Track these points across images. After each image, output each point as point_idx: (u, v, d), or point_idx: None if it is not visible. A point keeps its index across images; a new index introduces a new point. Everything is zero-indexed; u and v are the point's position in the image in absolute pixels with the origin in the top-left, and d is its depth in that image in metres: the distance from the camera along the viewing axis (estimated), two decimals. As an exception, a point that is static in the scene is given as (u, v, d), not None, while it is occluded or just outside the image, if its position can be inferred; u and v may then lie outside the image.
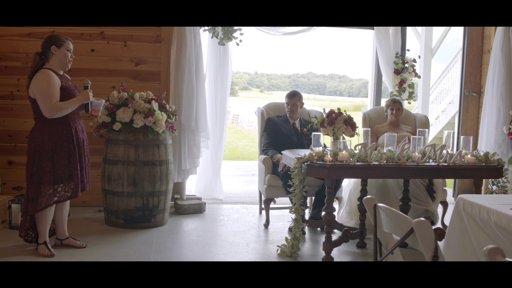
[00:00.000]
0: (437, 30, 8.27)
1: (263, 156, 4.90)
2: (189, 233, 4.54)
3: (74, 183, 3.74)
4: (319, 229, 4.77)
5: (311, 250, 4.20)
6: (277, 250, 4.03)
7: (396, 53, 5.90)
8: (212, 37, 5.42)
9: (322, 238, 3.97)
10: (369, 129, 4.06)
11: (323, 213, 3.86)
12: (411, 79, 5.94)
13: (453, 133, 4.16)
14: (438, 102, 12.88)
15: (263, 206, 4.93)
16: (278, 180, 4.68)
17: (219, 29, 5.35)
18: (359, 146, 3.73)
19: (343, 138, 3.94)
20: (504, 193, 5.32)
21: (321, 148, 3.81)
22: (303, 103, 5.07)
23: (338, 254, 4.08)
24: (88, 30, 5.17)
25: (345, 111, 3.99)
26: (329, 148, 3.88)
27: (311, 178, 4.25)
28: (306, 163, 3.67)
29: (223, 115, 5.67)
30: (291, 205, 4.03)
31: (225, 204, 5.71)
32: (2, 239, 4.12)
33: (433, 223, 4.49)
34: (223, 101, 5.63)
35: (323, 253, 3.84)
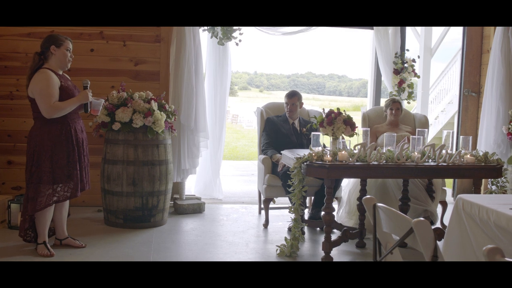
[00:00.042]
0: (437, 30, 8.26)
1: (262, 156, 4.90)
2: (188, 233, 4.54)
3: (73, 183, 3.74)
4: (318, 229, 4.77)
5: (310, 250, 4.20)
6: (277, 250, 4.03)
7: (396, 53, 5.90)
8: (211, 37, 5.42)
9: (322, 238, 3.98)
10: (369, 129, 4.06)
11: (322, 213, 3.86)
12: (411, 79, 5.94)
13: (453, 133, 4.17)
14: (437, 102, 12.89)
15: (262, 206, 4.94)
16: (277, 180, 4.68)
17: (218, 29, 5.35)
18: (359, 146, 3.73)
19: (343, 138, 3.94)
20: (504, 193, 5.32)
21: (320, 148, 3.81)
22: (302, 103, 5.07)
23: (338, 254, 4.08)
24: (88, 30, 5.17)
25: (344, 111, 3.99)
26: (328, 148, 3.88)
27: (310, 178, 4.25)
28: (305, 163, 3.67)
29: (223, 115, 5.66)
30: (290, 205, 4.03)
31: (224, 204, 5.71)
32: (2, 239, 4.11)
33: (432, 223, 4.49)
34: (223, 101, 5.63)
35: (322, 253, 3.84)
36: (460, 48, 6.32)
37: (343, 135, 3.94)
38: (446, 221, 4.11)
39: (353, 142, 3.93)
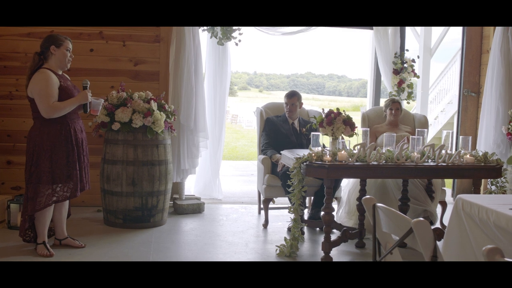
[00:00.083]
0: (436, 30, 8.26)
1: (262, 156, 4.89)
2: (188, 233, 4.54)
3: (73, 183, 3.74)
4: (318, 229, 4.77)
5: (310, 250, 4.20)
6: (276, 250, 4.03)
7: (395, 53, 5.90)
8: (211, 37, 5.42)
9: (321, 238, 3.98)
10: (368, 129, 4.07)
11: (322, 213, 3.86)
12: (410, 79, 5.94)
13: (452, 133, 4.17)
14: (437, 102, 12.89)
15: (262, 206, 4.93)
16: (277, 180, 4.68)
17: (218, 29, 5.35)
18: (358, 146, 3.73)
19: (342, 138, 3.94)
20: (503, 193, 5.32)
21: (320, 148, 3.81)
22: (302, 103, 5.07)
23: (337, 254, 4.08)
24: (87, 30, 5.17)
25: (344, 111, 3.99)
26: (328, 148, 3.87)
27: (310, 178, 4.25)
28: (305, 163, 3.66)
29: (222, 115, 5.66)
30: (290, 205, 4.03)
31: (224, 204, 5.71)
32: (1, 239, 4.11)
33: (432, 223, 4.49)
34: (222, 101, 5.63)
35: (322, 253, 3.84)
36: (460, 48, 6.32)
37: (342, 135, 3.93)
38: (446, 221, 4.11)
39: (353, 142, 3.93)
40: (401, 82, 5.85)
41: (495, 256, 1.55)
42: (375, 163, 3.68)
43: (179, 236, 4.45)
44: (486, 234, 2.60)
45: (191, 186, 5.81)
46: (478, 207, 2.66)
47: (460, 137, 4.02)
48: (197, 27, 5.28)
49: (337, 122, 3.88)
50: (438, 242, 1.87)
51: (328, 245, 3.80)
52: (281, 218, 5.07)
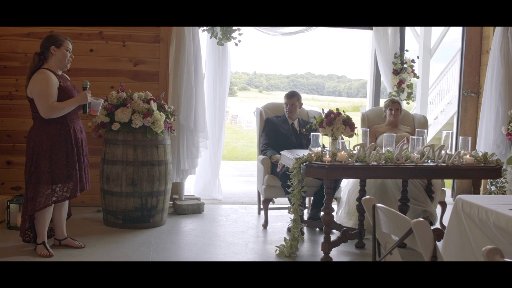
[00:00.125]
0: (436, 30, 8.26)
1: (261, 157, 4.89)
2: (187, 233, 4.54)
3: (72, 183, 3.74)
4: (317, 229, 4.76)
5: (309, 251, 4.20)
6: (276, 251, 4.03)
7: (395, 54, 5.90)
8: (211, 37, 5.42)
9: (321, 239, 3.97)
10: (368, 129, 4.07)
11: (321, 213, 3.86)
12: (410, 80, 5.94)
13: (452, 133, 4.16)
14: (436, 102, 12.90)
15: (261, 206, 4.93)
16: (276, 180, 4.68)
17: (218, 29, 5.35)
18: (358, 147, 3.73)
19: (342, 139, 3.94)
20: (503, 194, 5.33)
21: (319, 149, 3.81)
22: (301, 103, 5.07)
23: (337, 255, 4.08)
24: (87, 30, 5.17)
25: (343, 111, 3.99)
26: (327, 149, 3.87)
27: (309, 178, 4.25)
28: (304, 164, 3.66)
29: (222, 115, 5.66)
30: (289, 205, 4.03)
31: (223, 204, 5.71)
32: (1, 239, 4.11)
33: (431, 223, 4.49)
34: (222, 101, 5.63)
35: (321, 254, 3.84)
36: (460, 48, 6.32)
37: (342, 135, 3.94)
38: (446, 222, 4.10)
39: (353, 142, 3.93)
40: (400, 82, 5.86)
41: (494, 257, 1.55)
42: (374, 163, 3.68)
43: (178, 236, 4.44)
44: (486, 234, 2.60)
45: (191, 187, 5.81)
46: (478, 207, 2.66)
47: (460, 137, 4.02)
48: (197, 27, 5.28)
49: (337, 122, 3.88)
50: (437, 243, 1.87)
51: (328, 246, 3.80)
52: (281, 218, 5.07)
